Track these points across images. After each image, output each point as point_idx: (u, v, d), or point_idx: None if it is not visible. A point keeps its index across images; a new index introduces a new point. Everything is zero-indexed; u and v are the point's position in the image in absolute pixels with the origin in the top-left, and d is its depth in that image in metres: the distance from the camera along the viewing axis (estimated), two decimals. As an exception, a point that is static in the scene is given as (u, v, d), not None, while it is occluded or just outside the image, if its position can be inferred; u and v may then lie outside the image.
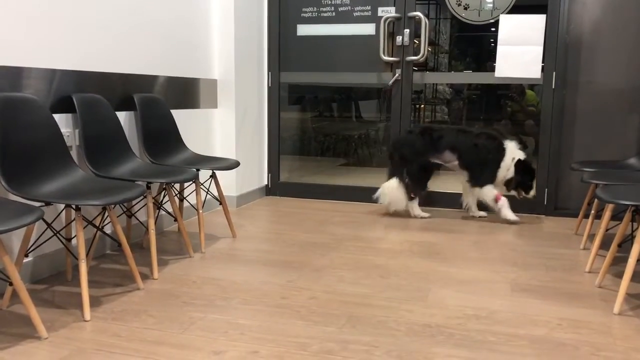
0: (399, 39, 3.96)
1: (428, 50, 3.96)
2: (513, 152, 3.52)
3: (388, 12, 3.98)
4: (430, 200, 4.02)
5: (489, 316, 2.12)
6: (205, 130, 3.81)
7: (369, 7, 4.04)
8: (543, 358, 1.80)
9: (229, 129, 3.93)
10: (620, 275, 2.57)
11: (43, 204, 2.14)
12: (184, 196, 3.31)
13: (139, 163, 2.77)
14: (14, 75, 2.30)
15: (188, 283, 2.44)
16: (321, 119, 5.40)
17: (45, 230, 2.42)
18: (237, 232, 3.30)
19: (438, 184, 4.05)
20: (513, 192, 3.58)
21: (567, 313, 2.17)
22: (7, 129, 2.14)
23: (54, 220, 2.49)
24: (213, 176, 3.12)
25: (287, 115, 4.64)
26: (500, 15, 3.76)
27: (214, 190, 3.80)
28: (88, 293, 2.07)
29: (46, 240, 2.43)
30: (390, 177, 3.70)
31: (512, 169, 3.50)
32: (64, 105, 2.56)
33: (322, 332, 1.96)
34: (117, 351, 1.81)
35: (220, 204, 3.15)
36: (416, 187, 3.69)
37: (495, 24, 3.78)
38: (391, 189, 3.68)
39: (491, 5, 3.81)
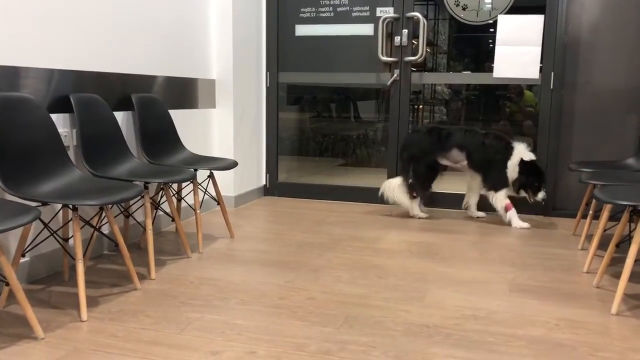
0: (397, 39, 3.96)
1: (426, 51, 3.96)
2: (521, 153, 3.45)
3: (386, 12, 3.98)
4: (431, 201, 4.02)
5: (486, 316, 2.12)
6: (204, 130, 3.81)
7: (367, 8, 4.04)
8: (541, 358, 1.80)
9: (227, 129, 3.93)
10: (618, 275, 2.57)
11: (40, 203, 2.13)
12: (182, 196, 3.31)
13: (137, 163, 2.76)
14: (11, 75, 2.30)
15: (185, 283, 2.44)
16: (319, 119, 5.39)
17: (42, 230, 2.42)
18: (234, 233, 3.30)
19: (438, 184, 4.04)
20: (524, 195, 3.48)
21: (564, 313, 2.17)
22: (4, 128, 2.13)
23: (51, 220, 2.48)
24: (211, 176, 3.12)
25: (285, 116, 4.63)
26: (499, 15, 3.76)
27: (211, 190, 3.79)
28: (85, 293, 2.07)
29: (43, 240, 2.42)
30: (399, 174, 3.73)
31: (517, 169, 3.45)
32: (61, 105, 2.56)
33: (320, 333, 1.96)
34: (113, 351, 1.80)
35: (218, 204, 3.14)
36: (420, 187, 3.69)
37: (494, 24, 3.79)
38: (392, 187, 3.69)
39: (489, 5, 3.81)
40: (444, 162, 3.66)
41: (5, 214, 1.76)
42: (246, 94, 4.08)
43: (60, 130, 2.46)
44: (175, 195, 3.25)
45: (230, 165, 3.04)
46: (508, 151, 3.47)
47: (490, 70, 3.83)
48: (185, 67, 3.54)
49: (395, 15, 3.94)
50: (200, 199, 3.68)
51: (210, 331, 1.96)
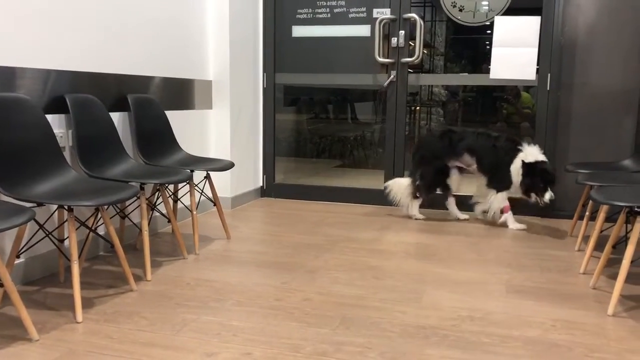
0: (394, 40, 3.96)
1: (423, 52, 3.97)
2: (524, 156, 3.36)
3: (383, 13, 3.98)
4: (431, 202, 4.00)
5: (483, 317, 2.12)
6: (200, 131, 3.80)
7: (364, 9, 4.04)
8: (537, 359, 1.80)
9: (223, 130, 3.92)
10: (614, 276, 2.57)
11: (35, 204, 2.12)
12: (178, 197, 3.30)
13: (133, 164, 2.76)
14: (7, 75, 2.29)
15: (181, 285, 2.43)
16: (317, 121, 5.40)
17: (38, 231, 2.41)
18: (231, 234, 3.29)
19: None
20: (534, 199, 3.34)
21: (561, 314, 2.16)
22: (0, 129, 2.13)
23: (46, 221, 2.47)
24: (207, 177, 3.11)
25: (282, 117, 4.63)
26: (495, 17, 3.76)
27: (208, 191, 3.78)
28: (80, 294, 2.06)
29: (38, 241, 2.41)
30: (409, 175, 3.75)
31: (520, 172, 3.37)
32: (57, 105, 2.55)
33: (316, 334, 1.95)
34: (108, 353, 1.79)
35: (215, 205, 3.14)
36: (425, 190, 3.68)
37: (490, 25, 3.79)
38: (400, 186, 3.71)
39: (486, 7, 3.82)
40: (456, 165, 3.65)
41: (0, 215, 1.75)
42: (243, 95, 4.08)
43: (55, 130, 2.45)
44: (172, 196, 3.24)
45: (227, 166, 3.03)
46: (513, 154, 3.42)
47: (487, 71, 3.83)
48: (181, 67, 3.54)
49: (392, 16, 3.94)
50: (197, 200, 3.67)
51: (206, 332, 1.96)
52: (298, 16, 4.18)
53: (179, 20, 3.47)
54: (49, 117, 2.46)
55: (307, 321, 2.06)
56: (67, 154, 2.60)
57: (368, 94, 5.30)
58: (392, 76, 4.00)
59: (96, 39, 2.78)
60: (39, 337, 1.89)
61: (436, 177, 3.66)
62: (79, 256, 2.41)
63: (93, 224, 2.54)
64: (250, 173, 4.28)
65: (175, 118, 3.46)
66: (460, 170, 3.68)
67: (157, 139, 3.09)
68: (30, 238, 2.39)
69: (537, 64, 3.73)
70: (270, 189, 4.43)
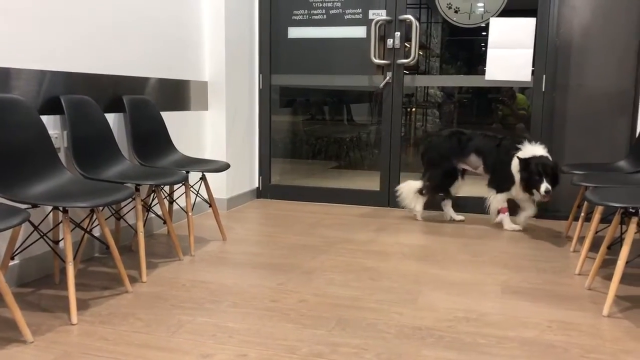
0: (389, 42, 3.96)
1: (419, 54, 3.97)
2: (521, 153, 3.31)
3: (379, 15, 3.99)
4: (428, 203, 4.00)
5: (479, 318, 2.12)
6: (196, 132, 3.79)
7: (360, 10, 4.05)
8: (533, 360, 1.80)
9: (219, 131, 3.92)
10: (609, 277, 2.58)
11: (30, 205, 2.11)
12: (174, 198, 3.29)
13: (128, 165, 2.75)
14: (1, 76, 2.28)
15: (177, 286, 2.43)
16: (313, 122, 5.39)
17: (32, 232, 2.40)
18: (227, 235, 3.28)
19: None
20: (537, 196, 3.27)
21: (556, 315, 2.17)
22: (-6, 130, 2.12)
23: (41, 223, 2.46)
24: (203, 178, 3.10)
25: (278, 118, 4.63)
26: (491, 18, 3.77)
27: (204, 192, 3.78)
28: (75, 296, 2.05)
29: (33, 243, 2.40)
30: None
31: (517, 169, 3.34)
32: (52, 106, 2.54)
33: (312, 335, 1.95)
34: (104, 355, 1.78)
35: (210, 206, 3.13)
36: (431, 190, 3.69)
37: (486, 27, 3.80)
38: (411, 189, 3.72)
39: (482, 8, 3.83)
40: (463, 167, 3.65)
41: (-6, 216, 1.74)
42: (239, 96, 4.07)
43: (50, 132, 2.44)
44: (167, 197, 3.24)
45: (223, 167, 3.03)
46: (513, 154, 3.39)
47: (483, 73, 3.84)
48: (177, 68, 3.53)
49: (388, 18, 3.95)
50: (192, 201, 3.67)
51: (201, 334, 1.95)
52: (294, 17, 4.18)
53: (175, 22, 3.47)
54: (44, 118, 2.45)
55: (303, 322, 2.06)
56: (62, 155, 2.59)
57: (364, 95, 5.30)
58: (387, 77, 4.01)
59: (91, 40, 2.78)
60: (34, 339, 1.88)
61: (443, 180, 3.67)
62: (74, 258, 2.39)
63: (88, 225, 2.53)
64: (246, 174, 4.28)
65: (171, 119, 3.45)
66: (463, 173, 3.69)
67: (152, 140, 3.08)
68: (25, 239, 2.38)
69: (533, 66, 3.74)
70: (266, 190, 4.42)
